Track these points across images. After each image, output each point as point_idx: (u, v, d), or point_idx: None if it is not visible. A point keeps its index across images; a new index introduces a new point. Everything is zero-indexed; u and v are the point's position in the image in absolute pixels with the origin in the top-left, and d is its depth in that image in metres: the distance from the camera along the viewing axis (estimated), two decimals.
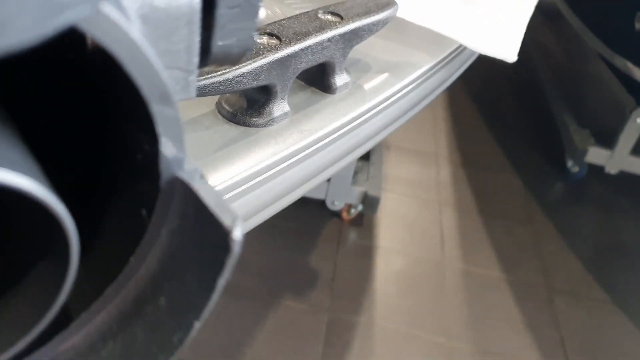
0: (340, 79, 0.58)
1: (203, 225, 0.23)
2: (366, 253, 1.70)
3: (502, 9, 0.72)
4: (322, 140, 0.55)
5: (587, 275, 1.71)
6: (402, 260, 1.69)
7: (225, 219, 0.22)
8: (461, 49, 0.72)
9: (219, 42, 0.27)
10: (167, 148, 0.23)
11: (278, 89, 0.52)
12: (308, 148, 0.54)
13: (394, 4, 0.60)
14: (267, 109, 0.53)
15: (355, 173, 1.75)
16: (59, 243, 0.21)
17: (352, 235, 1.75)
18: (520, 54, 0.66)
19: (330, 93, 0.58)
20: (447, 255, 1.71)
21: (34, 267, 0.22)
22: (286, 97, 0.54)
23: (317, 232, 1.74)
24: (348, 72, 0.59)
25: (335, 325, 1.51)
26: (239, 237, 0.22)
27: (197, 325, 0.23)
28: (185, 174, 0.24)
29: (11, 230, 0.23)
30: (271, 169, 0.50)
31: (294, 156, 0.53)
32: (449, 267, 1.68)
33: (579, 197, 2.03)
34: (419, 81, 0.64)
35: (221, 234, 0.22)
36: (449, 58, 0.70)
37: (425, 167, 2.01)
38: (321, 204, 1.77)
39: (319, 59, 0.54)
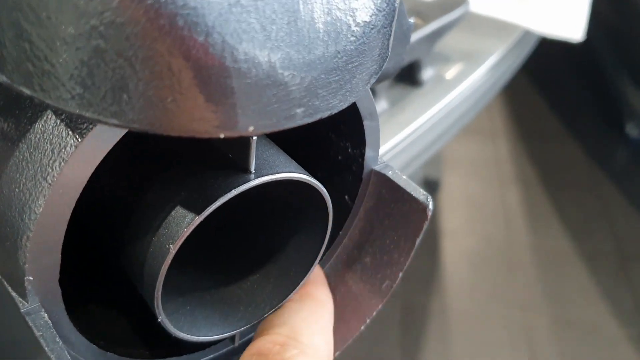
0: (426, 73, 0.69)
1: (399, 202, 0.34)
2: (432, 236, 1.79)
3: None
4: (418, 130, 0.65)
5: None
6: (469, 240, 1.78)
7: (420, 196, 0.33)
8: (526, 33, 0.81)
9: None
10: (369, 150, 0.34)
11: (376, 89, 0.63)
12: (406, 138, 0.65)
13: (466, 0, 0.71)
14: None
15: None
16: (312, 216, 0.33)
17: None
18: None
19: (418, 86, 0.69)
20: (515, 231, 1.80)
21: (294, 235, 0.34)
22: (383, 94, 0.65)
23: None
24: (432, 65, 0.70)
25: (409, 310, 1.61)
26: (432, 207, 0.33)
27: (400, 275, 0.35)
28: (379, 167, 0.35)
29: (274, 213, 0.35)
30: None
31: (395, 147, 0.64)
32: (518, 242, 1.77)
33: None
34: (494, 68, 0.75)
35: (417, 207, 0.33)
36: (517, 43, 0.80)
37: (482, 144, 2.10)
38: None
39: (410, 58, 0.65)
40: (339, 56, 0.23)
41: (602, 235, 1.79)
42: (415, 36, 0.64)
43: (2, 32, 0.21)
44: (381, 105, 0.65)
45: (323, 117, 0.24)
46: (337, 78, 0.23)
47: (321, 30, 0.22)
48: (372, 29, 0.24)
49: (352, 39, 0.23)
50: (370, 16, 0.24)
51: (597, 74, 2.27)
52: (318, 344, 0.32)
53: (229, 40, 0.20)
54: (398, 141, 0.63)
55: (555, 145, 2.11)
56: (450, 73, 0.72)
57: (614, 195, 1.91)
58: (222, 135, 0.22)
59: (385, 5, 0.25)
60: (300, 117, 0.23)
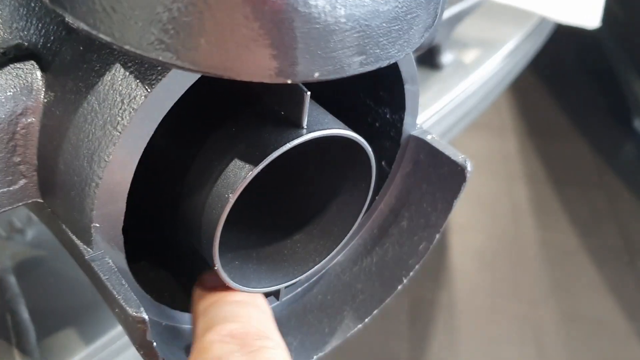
0: (445, 57, 0.71)
1: (436, 166, 0.36)
2: None
3: None
4: (438, 112, 0.67)
5: None
6: (477, 235, 1.79)
7: (458, 159, 0.35)
8: (543, 21, 0.83)
9: None
10: (407, 115, 0.36)
11: None
12: (427, 121, 0.66)
13: None
14: None
15: None
16: (354, 177, 0.34)
17: None
18: None
19: (437, 70, 0.70)
20: (523, 227, 1.81)
21: (335, 197, 0.35)
22: None
23: None
24: (450, 50, 0.71)
25: (417, 304, 1.61)
26: (471, 169, 0.34)
27: (438, 236, 0.36)
28: (417, 132, 0.37)
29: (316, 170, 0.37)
30: None
31: None
32: (526, 238, 1.78)
33: None
34: (511, 54, 0.76)
35: (456, 169, 0.35)
36: (533, 31, 0.81)
37: (490, 139, 2.11)
38: None
39: (431, 41, 0.67)
40: (400, 6, 0.24)
41: (609, 230, 1.80)
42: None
43: None
44: None
45: (382, 66, 0.25)
46: (397, 27, 0.24)
47: None
48: None
49: None
50: None
51: (605, 70, 2.28)
52: (284, 346, 0.32)
53: None
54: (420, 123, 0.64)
55: (563, 140, 2.13)
56: (469, 58, 0.74)
57: (621, 190, 1.92)
58: (289, 81, 0.23)
59: None
60: (362, 64, 0.24)
